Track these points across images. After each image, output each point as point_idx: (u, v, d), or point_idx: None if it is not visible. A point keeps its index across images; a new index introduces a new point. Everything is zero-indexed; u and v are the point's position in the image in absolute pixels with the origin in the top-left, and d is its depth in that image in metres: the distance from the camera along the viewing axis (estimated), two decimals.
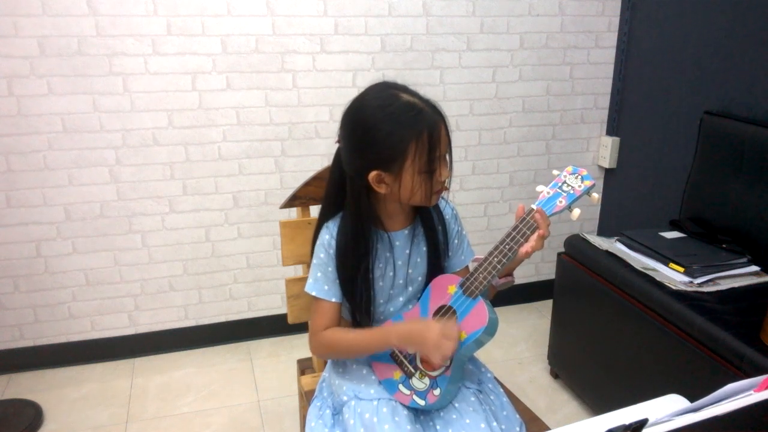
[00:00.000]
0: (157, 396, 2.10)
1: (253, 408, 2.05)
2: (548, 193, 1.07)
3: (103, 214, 2.13)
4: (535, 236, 1.04)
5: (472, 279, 1.09)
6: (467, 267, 1.26)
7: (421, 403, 1.12)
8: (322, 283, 1.17)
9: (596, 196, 1.06)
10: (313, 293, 1.17)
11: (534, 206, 1.06)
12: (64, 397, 2.09)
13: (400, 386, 1.14)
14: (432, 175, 1.07)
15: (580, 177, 1.06)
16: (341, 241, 1.15)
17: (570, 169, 1.07)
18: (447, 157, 1.10)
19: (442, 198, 1.27)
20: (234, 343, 2.41)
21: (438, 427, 1.13)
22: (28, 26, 1.88)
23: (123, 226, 2.16)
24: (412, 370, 1.14)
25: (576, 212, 1.03)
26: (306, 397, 1.36)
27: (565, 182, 1.06)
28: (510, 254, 1.05)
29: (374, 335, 1.13)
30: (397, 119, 1.04)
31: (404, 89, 1.09)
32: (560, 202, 1.05)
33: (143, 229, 2.18)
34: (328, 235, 1.17)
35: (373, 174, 1.07)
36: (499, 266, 1.06)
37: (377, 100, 1.07)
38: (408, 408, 1.13)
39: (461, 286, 1.10)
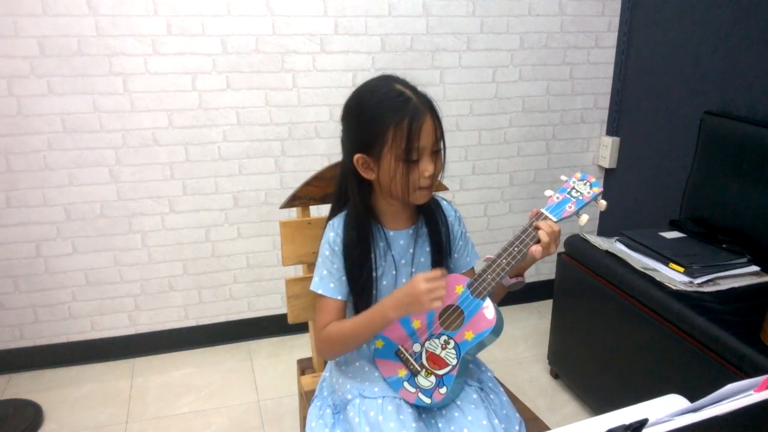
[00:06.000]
0: (157, 396, 2.10)
1: (253, 408, 2.04)
2: (557, 198, 1.08)
3: (103, 214, 2.13)
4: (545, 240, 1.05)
5: (480, 280, 1.09)
6: (473, 269, 1.26)
7: (427, 401, 1.12)
8: (327, 280, 1.17)
9: (603, 202, 1.07)
10: (319, 291, 1.17)
11: (543, 210, 1.07)
12: (64, 397, 2.09)
13: (406, 384, 1.14)
14: (409, 166, 1.06)
15: (588, 183, 1.08)
16: (346, 238, 1.16)
17: (578, 175, 1.09)
18: (436, 153, 1.09)
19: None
20: (234, 343, 2.41)
21: (440, 424, 1.13)
22: (28, 26, 1.88)
23: (123, 226, 2.16)
24: (418, 368, 1.14)
25: (584, 218, 1.05)
26: (306, 397, 1.36)
27: (574, 188, 1.08)
28: (519, 256, 1.06)
29: (372, 315, 1.11)
30: (382, 104, 1.06)
31: (404, 83, 1.10)
32: (569, 207, 1.06)
33: (143, 229, 2.18)
34: (333, 232, 1.18)
35: (357, 156, 1.09)
36: (507, 267, 1.07)
37: (372, 87, 1.10)
38: (412, 406, 1.13)
39: (469, 286, 1.11)
